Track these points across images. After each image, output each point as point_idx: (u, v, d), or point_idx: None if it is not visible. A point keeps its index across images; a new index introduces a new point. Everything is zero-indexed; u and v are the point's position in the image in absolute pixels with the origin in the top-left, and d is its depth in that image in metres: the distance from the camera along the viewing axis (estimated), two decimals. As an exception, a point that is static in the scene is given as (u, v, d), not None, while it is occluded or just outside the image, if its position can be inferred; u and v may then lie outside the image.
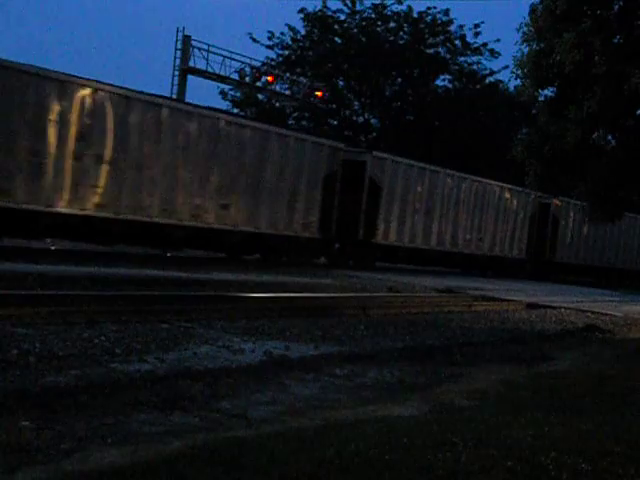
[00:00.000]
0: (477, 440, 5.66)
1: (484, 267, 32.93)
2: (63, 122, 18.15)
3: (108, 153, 19.15)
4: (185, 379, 7.43)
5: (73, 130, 18.36)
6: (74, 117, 18.38)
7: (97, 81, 19.28)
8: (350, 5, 44.71)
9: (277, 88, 35.77)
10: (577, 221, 35.84)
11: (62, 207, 18.33)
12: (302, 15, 44.52)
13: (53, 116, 17.96)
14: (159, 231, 20.58)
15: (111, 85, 19.64)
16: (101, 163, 18.98)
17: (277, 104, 44.03)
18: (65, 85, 18.26)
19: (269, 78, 33.96)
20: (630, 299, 27.37)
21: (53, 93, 17.97)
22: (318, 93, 37.10)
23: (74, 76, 18.75)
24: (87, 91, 18.72)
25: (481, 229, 32.36)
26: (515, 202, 34.15)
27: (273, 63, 42.43)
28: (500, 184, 32.72)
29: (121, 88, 19.89)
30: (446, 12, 45.32)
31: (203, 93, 40.73)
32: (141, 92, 20.44)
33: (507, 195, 33.56)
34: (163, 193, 20.42)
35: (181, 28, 30.96)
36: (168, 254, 22.19)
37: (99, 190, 18.97)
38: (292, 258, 24.54)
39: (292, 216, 24.28)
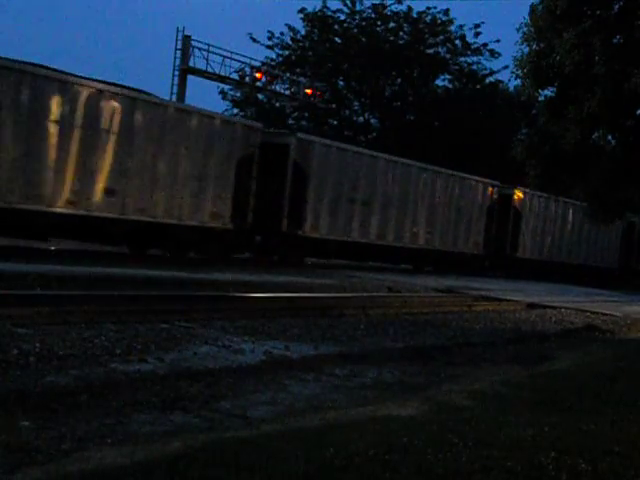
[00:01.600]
0: (477, 440, 5.66)
1: (586, 275, 37.96)
2: (341, 180, 26.27)
3: (365, 198, 27.32)
4: (185, 379, 7.43)
5: (349, 185, 26.71)
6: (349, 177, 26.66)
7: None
8: (350, 5, 44.69)
9: (277, 88, 35.71)
10: None
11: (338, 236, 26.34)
12: (302, 15, 44.54)
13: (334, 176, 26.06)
14: (393, 251, 28.90)
15: (362, 149, 29.78)
16: (361, 205, 27.15)
17: (277, 104, 44.02)
18: (342, 152, 26.72)
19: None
20: (630, 299, 27.37)
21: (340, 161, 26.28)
22: (318, 93, 37.06)
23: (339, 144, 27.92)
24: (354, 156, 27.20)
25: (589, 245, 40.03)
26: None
27: (273, 63, 42.43)
28: None
29: (370, 151, 29.35)
30: (446, 12, 45.32)
31: (203, 93, 40.79)
32: (385, 153, 29.40)
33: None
34: (395, 225, 28.81)
35: (181, 28, 30.82)
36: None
37: (359, 224, 27.17)
38: (461, 269, 31.31)
39: (468, 237, 32.75)
